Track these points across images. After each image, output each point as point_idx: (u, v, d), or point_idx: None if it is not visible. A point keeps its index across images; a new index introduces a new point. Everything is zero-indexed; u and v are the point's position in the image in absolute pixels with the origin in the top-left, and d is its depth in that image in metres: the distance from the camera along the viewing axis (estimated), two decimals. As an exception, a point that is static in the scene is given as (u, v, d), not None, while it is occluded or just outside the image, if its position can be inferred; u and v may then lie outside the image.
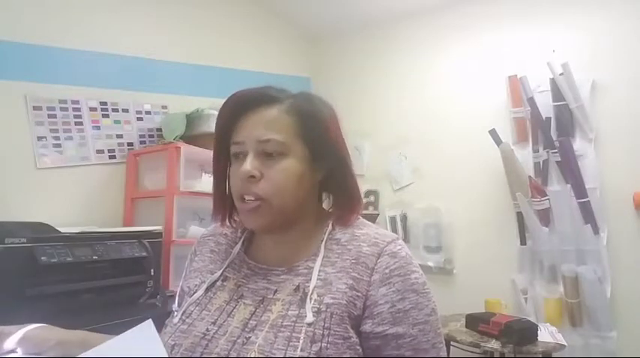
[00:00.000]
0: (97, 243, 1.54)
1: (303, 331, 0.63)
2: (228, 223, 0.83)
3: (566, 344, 1.84)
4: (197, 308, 0.74)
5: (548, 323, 2.05)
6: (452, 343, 1.97)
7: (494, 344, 1.78)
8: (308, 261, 0.73)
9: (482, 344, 1.79)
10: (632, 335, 2.12)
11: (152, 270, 1.65)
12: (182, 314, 0.74)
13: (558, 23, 2.40)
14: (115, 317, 1.48)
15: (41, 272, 1.37)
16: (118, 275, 1.59)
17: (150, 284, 1.65)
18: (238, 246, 0.83)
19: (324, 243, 0.74)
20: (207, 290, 0.77)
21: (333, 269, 0.70)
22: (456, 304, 2.33)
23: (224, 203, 0.80)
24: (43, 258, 1.36)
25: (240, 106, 0.75)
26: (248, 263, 0.79)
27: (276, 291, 0.71)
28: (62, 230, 1.56)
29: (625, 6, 2.23)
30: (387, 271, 0.68)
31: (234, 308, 0.72)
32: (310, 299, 0.67)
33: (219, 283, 0.78)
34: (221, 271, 0.79)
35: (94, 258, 1.50)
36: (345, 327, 0.64)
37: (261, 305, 0.70)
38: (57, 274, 1.42)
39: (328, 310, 0.65)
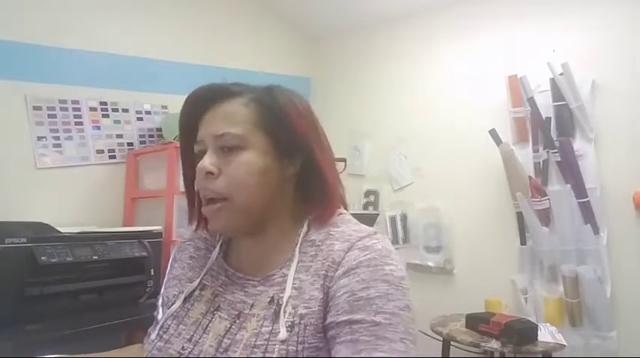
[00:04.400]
0: (97, 243, 1.54)
1: (277, 350, 0.60)
2: (204, 227, 0.79)
3: (566, 344, 1.84)
4: (174, 321, 0.72)
5: (548, 323, 2.05)
6: (452, 343, 1.97)
7: (494, 344, 1.78)
8: (283, 267, 0.69)
9: (482, 344, 1.79)
10: (632, 335, 2.11)
11: (152, 270, 1.65)
12: (160, 329, 0.72)
13: (558, 23, 2.40)
14: (115, 317, 1.49)
15: (41, 273, 1.37)
16: (118, 275, 1.59)
17: (150, 284, 1.65)
18: (216, 250, 0.79)
19: (298, 246, 0.69)
20: (185, 300, 0.74)
21: (307, 275, 0.66)
22: (456, 304, 2.33)
23: (196, 206, 0.77)
24: (43, 257, 1.36)
25: (200, 104, 0.73)
26: (226, 269, 0.76)
27: (252, 306, 0.68)
28: (62, 230, 1.56)
29: (625, 6, 2.23)
30: (353, 263, 0.64)
31: (210, 321, 0.69)
32: (284, 312, 0.63)
33: (197, 293, 0.75)
34: (199, 280, 0.76)
35: (94, 258, 1.50)
36: (320, 337, 0.61)
37: (237, 321, 0.67)
38: (57, 274, 1.42)
39: (302, 322, 0.62)
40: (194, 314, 0.72)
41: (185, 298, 0.75)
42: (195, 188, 0.72)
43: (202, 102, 0.72)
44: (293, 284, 0.66)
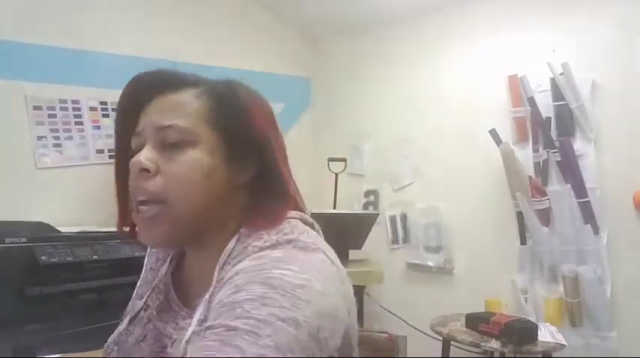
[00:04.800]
0: (97, 243, 1.54)
1: None
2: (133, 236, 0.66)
3: (566, 344, 1.83)
4: (116, 347, 0.64)
5: (548, 323, 2.05)
6: (452, 343, 1.97)
7: (494, 344, 1.78)
8: (206, 295, 0.56)
9: (482, 343, 1.79)
10: (632, 335, 2.11)
11: (152, 270, 1.65)
12: (105, 353, 0.65)
13: (558, 23, 2.40)
14: (115, 317, 1.48)
15: (41, 272, 1.37)
16: (117, 275, 1.58)
17: (150, 284, 1.64)
18: (166, 264, 0.70)
19: (217, 268, 0.56)
20: (131, 321, 0.66)
21: (216, 303, 0.51)
22: (456, 304, 2.32)
23: (129, 211, 0.64)
24: (43, 257, 1.36)
25: (145, 89, 0.62)
26: (168, 290, 0.66)
27: (173, 343, 0.59)
28: (62, 230, 1.56)
29: (625, 6, 2.23)
30: (233, 272, 0.52)
31: (138, 352, 0.62)
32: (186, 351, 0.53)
33: (141, 313, 0.66)
34: (144, 299, 0.66)
35: (94, 257, 1.50)
36: None
37: None
38: (57, 274, 1.42)
39: None
40: (131, 340, 0.64)
41: (131, 319, 0.66)
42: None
43: (149, 87, 0.62)
44: (200, 317, 0.53)
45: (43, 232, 1.49)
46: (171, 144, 0.58)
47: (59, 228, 1.57)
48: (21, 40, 1.85)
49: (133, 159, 0.58)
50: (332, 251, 0.60)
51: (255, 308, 0.45)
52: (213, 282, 0.55)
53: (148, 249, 0.76)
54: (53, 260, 1.38)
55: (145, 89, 0.62)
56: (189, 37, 2.50)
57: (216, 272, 0.56)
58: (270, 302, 0.46)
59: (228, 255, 0.57)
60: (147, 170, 0.57)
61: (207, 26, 2.61)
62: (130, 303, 0.72)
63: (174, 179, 0.57)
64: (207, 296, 0.54)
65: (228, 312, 0.46)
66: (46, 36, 1.93)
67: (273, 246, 0.55)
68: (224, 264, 0.56)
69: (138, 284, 0.73)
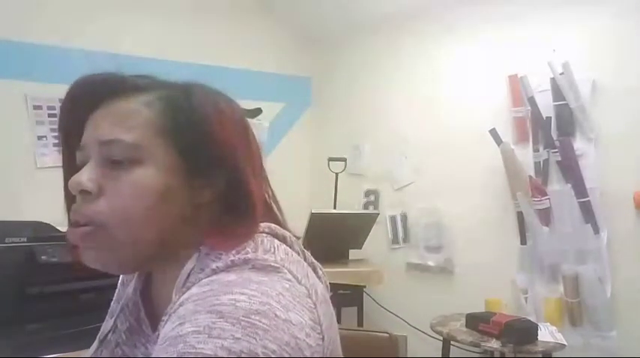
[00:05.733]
0: (97, 243, 1.54)
1: None
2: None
3: (566, 343, 1.84)
4: None
5: (548, 323, 2.05)
6: (452, 343, 1.97)
7: (494, 344, 1.78)
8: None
9: (482, 343, 1.79)
10: (632, 335, 2.11)
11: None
12: None
13: (558, 23, 2.40)
14: (115, 316, 1.48)
15: (41, 272, 1.37)
16: (117, 274, 1.58)
17: (150, 284, 1.64)
18: (133, 281, 0.62)
19: (174, 294, 0.49)
20: (101, 342, 0.59)
21: (160, 339, 0.44)
22: (456, 304, 2.32)
23: None
24: (43, 257, 1.36)
25: (87, 98, 0.54)
26: (139, 309, 0.59)
27: None
28: (62, 230, 1.56)
29: (625, 5, 2.23)
30: (178, 303, 0.45)
31: None
32: None
33: (109, 335, 0.59)
34: (113, 319, 0.60)
35: (94, 257, 1.50)
36: None
37: None
38: (57, 273, 1.42)
39: None
40: None
41: (100, 340, 0.59)
42: None
43: (90, 96, 0.54)
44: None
45: (43, 232, 1.49)
46: (116, 162, 0.50)
47: (59, 228, 1.57)
48: (21, 40, 1.85)
49: (72, 180, 0.50)
50: (302, 267, 0.52)
51: (201, 342, 0.37)
52: (165, 312, 0.47)
53: None
54: (53, 260, 1.38)
55: (86, 99, 0.54)
56: (189, 37, 2.50)
57: (174, 297, 0.48)
58: (217, 334, 0.38)
59: (187, 277, 0.50)
60: (87, 192, 0.50)
61: (207, 26, 2.61)
62: (105, 321, 0.64)
63: (117, 203, 0.49)
64: (158, 330, 0.47)
65: (170, 348, 0.39)
66: (46, 36, 1.93)
67: (227, 268, 0.47)
68: (183, 288, 0.49)
69: (113, 300, 0.66)
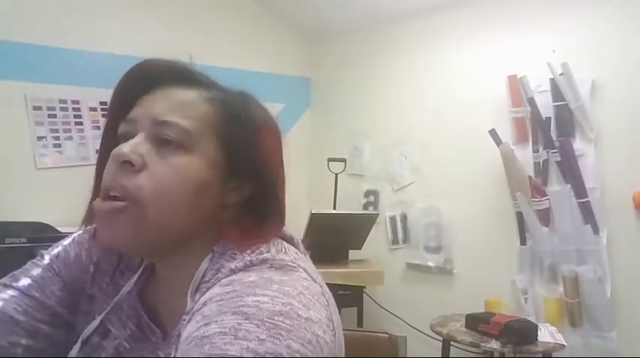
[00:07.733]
0: (97, 243, 1.54)
1: None
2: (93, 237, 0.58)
3: (566, 344, 1.84)
4: None
5: (548, 323, 2.05)
6: (452, 343, 1.97)
7: (494, 344, 1.78)
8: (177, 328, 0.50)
9: (482, 344, 1.79)
10: (632, 335, 2.11)
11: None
12: None
13: (558, 23, 2.40)
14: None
15: (41, 272, 1.37)
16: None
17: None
18: (133, 279, 0.59)
19: (190, 295, 0.49)
20: (84, 344, 0.54)
21: (184, 338, 0.44)
22: (456, 304, 2.32)
23: None
24: (43, 257, 1.36)
25: (148, 79, 0.55)
26: (140, 315, 0.56)
27: None
28: (62, 230, 1.56)
29: (625, 5, 2.23)
30: (201, 303, 0.45)
31: None
32: None
33: (96, 339, 0.55)
34: (100, 318, 0.56)
35: (94, 257, 1.50)
36: None
37: None
38: (57, 274, 1.42)
39: None
40: None
41: (83, 341, 0.54)
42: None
43: (153, 77, 0.55)
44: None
45: (43, 232, 1.49)
46: (166, 142, 0.50)
47: (59, 228, 1.57)
48: (21, 40, 1.85)
49: (116, 150, 0.49)
50: (312, 266, 0.54)
51: (227, 343, 0.38)
52: (186, 311, 0.48)
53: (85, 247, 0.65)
54: (53, 260, 1.38)
55: (150, 77, 0.55)
56: (189, 37, 2.50)
57: (189, 298, 0.48)
58: (243, 335, 0.39)
59: (202, 277, 0.50)
60: (130, 163, 0.49)
61: (207, 27, 2.62)
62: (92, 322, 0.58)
63: (160, 180, 0.49)
64: (178, 329, 0.48)
65: (196, 349, 0.39)
66: (46, 36, 1.93)
67: (246, 268, 0.48)
68: (197, 289, 0.49)
69: (87, 285, 0.62)
